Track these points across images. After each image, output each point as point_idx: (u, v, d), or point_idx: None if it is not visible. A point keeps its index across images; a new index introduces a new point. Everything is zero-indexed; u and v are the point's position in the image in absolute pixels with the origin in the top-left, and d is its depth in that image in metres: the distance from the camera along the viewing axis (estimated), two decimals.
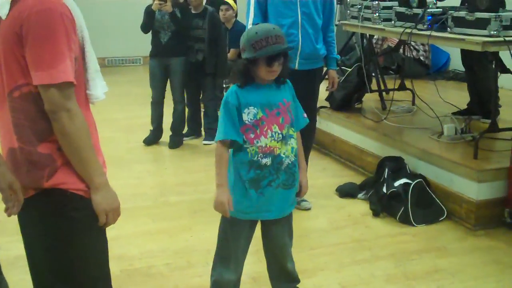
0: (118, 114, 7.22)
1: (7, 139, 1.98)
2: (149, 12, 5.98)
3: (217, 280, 2.95)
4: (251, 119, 2.69)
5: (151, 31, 6.11)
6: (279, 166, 2.73)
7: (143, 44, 7.20)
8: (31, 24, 1.84)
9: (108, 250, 2.19)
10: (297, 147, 2.82)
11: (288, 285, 3.09)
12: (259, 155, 2.69)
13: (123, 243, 3.85)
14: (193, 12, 6.16)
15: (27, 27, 1.84)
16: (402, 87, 6.32)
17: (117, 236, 3.84)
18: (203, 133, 6.55)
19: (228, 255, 2.92)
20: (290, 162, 2.76)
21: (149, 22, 6.01)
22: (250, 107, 2.69)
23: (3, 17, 1.91)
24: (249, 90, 2.71)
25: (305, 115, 2.92)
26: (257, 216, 2.84)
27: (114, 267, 3.53)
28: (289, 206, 2.91)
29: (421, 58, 8.08)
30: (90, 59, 2.04)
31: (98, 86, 2.08)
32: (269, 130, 2.70)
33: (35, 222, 2.03)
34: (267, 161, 2.70)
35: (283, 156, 2.73)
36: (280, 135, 2.72)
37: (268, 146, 2.69)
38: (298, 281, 3.12)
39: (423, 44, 8.00)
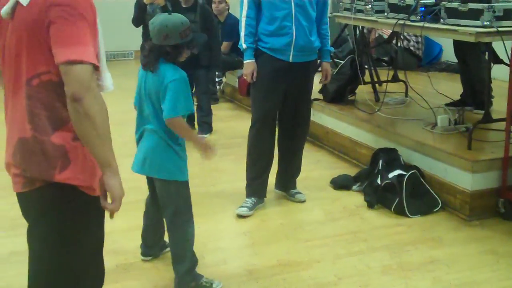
0: (110, 108, 7.04)
1: (19, 128, 1.95)
2: (140, 6, 5.95)
3: (192, 237, 3.28)
4: None
5: (142, 25, 6.07)
6: None
7: (135, 38, 7.16)
8: (58, 10, 1.84)
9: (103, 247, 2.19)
10: None
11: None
12: None
13: (118, 238, 3.84)
14: (183, 6, 6.09)
15: (55, 12, 1.84)
16: (395, 79, 6.32)
17: (111, 231, 3.80)
18: (196, 126, 6.53)
19: (191, 212, 3.29)
20: None
21: (141, 15, 5.97)
22: None
23: (24, 4, 1.89)
24: None
25: None
26: None
27: (110, 261, 3.53)
28: None
29: (412, 48, 8.08)
30: (102, 51, 2.06)
31: (108, 77, 2.10)
32: None
33: (38, 214, 2.01)
34: None
35: None
36: None
37: None
38: None
39: (415, 35, 8.00)
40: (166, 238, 3.60)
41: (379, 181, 4.46)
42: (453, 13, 4.43)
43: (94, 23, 1.94)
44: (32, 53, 1.89)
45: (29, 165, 1.93)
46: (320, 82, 4.73)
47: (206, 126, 6.43)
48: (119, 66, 10.85)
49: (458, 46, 5.49)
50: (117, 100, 7.69)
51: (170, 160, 3.17)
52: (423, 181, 4.41)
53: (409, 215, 4.21)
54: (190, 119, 6.54)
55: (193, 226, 3.28)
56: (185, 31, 3.12)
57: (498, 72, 5.14)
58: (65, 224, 1.99)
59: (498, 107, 5.20)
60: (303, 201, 4.51)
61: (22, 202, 2.05)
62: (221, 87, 8.37)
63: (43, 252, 2.03)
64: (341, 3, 6.01)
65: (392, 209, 4.28)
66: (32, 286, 2.10)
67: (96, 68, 1.89)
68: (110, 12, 10.83)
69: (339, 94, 5.95)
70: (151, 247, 3.60)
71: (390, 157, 4.65)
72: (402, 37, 6.88)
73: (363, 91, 6.09)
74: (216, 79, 8.04)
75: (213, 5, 7.15)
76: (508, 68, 4.16)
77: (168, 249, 3.49)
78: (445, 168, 4.34)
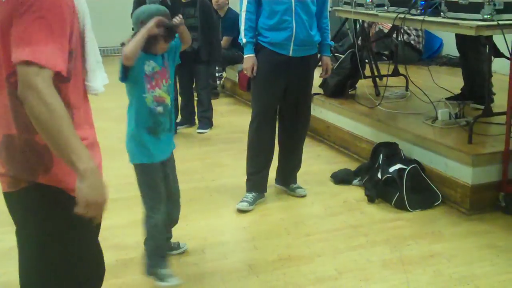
0: (110, 104, 7.13)
1: (4, 125, 1.89)
2: (139, 1, 5.93)
3: (156, 223, 3.23)
4: (149, 71, 3.07)
5: None
6: (168, 113, 3.17)
7: None
8: (24, 6, 1.74)
9: (99, 250, 2.13)
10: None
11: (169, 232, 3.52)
12: (154, 104, 3.09)
13: (118, 233, 3.84)
14: (183, 0, 6.08)
15: (25, 7, 1.74)
16: (395, 73, 6.31)
17: (112, 226, 3.83)
18: (196, 121, 6.53)
19: (158, 199, 3.24)
20: (172, 109, 3.23)
21: None
22: (150, 60, 3.08)
23: None
24: None
25: None
26: (162, 157, 3.22)
27: (110, 256, 3.53)
28: (172, 147, 3.35)
29: (412, 42, 8.07)
30: (90, 49, 1.95)
31: (98, 77, 1.99)
32: (161, 83, 3.12)
33: (24, 217, 1.97)
34: (160, 109, 3.11)
35: (169, 104, 3.17)
36: (167, 87, 3.16)
37: (160, 96, 3.11)
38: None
39: (416, 29, 7.98)
40: (173, 239, 3.62)
41: (379, 175, 4.45)
42: (454, 7, 4.42)
43: (72, 17, 1.83)
44: (8, 49, 1.80)
45: (13, 164, 1.88)
46: (320, 76, 4.73)
47: (206, 121, 6.43)
48: (118, 61, 10.84)
49: (460, 39, 5.47)
50: (117, 95, 7.67)
51: (132, 141, 3.18)
52: (423, 175, 4.41)
53: (410, 209, 4.21)
54: (190, 114, 6.55)
55: (158, 214, 3.23)
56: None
57: (498, 65, 5.13)
58: (52, 226, 1.94)
59: (499, 100, 5.19)
60: (304, 196, 4.51)
61: (8, 202, 2.00)
62: (221, 82, 8.37)
63: (31, 254, 1.99)
64: None
65: (392, 203, 4.28)
66: (23, 286, 2.07)
67: (41, 67, 1.74)
68: (110, 6, 10.84)
69: (340, 88, 5.94)
70: None
71: (390, 151, 4.65)
72: (402, 31, 6.86)
73: (363, 85, 6.08)
74: (216, 74, 8.03)
75: (213, 0, 7.12)
76: (508, 62, 4.15)
77: (175, 251, 3.55)
78: (446, 162, 4.34)
